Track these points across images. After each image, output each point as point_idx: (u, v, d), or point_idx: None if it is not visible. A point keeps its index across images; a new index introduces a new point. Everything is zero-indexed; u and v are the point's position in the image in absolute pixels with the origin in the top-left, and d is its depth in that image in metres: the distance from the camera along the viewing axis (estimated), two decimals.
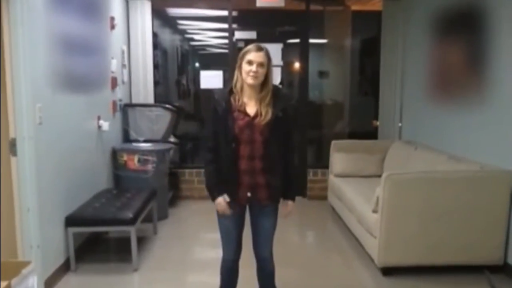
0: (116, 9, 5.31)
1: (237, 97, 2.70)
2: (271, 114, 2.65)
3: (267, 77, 2.67)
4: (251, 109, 2.69)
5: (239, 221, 2.82)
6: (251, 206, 2.83)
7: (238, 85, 2.69)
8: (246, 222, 2.87)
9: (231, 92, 2.72)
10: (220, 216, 2.82)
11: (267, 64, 2.65)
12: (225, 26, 6.21)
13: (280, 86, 2.97)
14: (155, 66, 6.19)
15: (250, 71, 2.61)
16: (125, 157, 5.05)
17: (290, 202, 2.86)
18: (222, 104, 2.69)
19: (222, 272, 2.94)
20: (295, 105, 2.89)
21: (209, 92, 7.56)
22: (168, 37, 7.64)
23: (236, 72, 2.71)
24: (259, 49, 2.65)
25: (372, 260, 3.96)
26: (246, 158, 2.67)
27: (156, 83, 6.21)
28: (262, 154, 2.67)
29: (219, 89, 2.88)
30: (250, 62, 2.62)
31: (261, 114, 2.66)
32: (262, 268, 2.93)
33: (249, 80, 2.63)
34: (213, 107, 2.72)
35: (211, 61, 8.83)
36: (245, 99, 2.70)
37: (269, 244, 2.87)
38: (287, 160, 2.78)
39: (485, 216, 3.73)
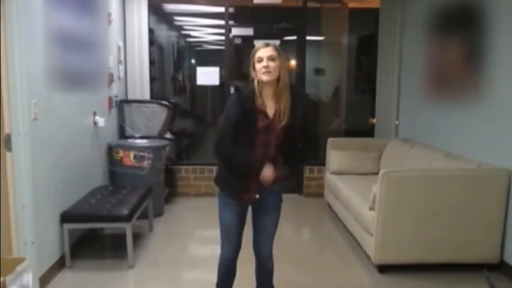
0: (112, 4, 5.28)
1: (258, 97, 2.62)
2: (289, 117, 2.60)
3: (281, 72, 2.60)
4: (270, 110, 2.62)
5: (241, 218, 2.79)
6: (253, 204, 2.80)
7: (258, 88, 2.61)
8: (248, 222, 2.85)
9: (253, 90, 2.62)
10: (222, 213, 2.80)
11: (277, 57, 2.58)
12: (222, 22, 6.19)
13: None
14: (151, 62, 6.16)
15: (262, 67, 2.56)
16: (121, 154, 5.03)
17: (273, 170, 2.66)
18: (248, 102, 2.60)
19: (220, 269, 2.92)
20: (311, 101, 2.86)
21: (206, 88, 7.59)
22: (164, 33, 7.61)
23: (252, 74, 2.64)
24: (267, 44, 2.61)
25: (369, 258, 3.95)
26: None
27: (152, 79, 6.19)
28: (274, 157, 2.66)
29: (243, 86, 2.68)
30: (260, 59, 2.57)
31: (279, 114, 2.60)
32: (261, 266, 2.92)
33: (264, 77, 2.56)
34: (240, 103, 2.60)
35: (207, 57, 8.81)
36: (264, 98, 2.63)
37: (269, 243, 2.85)
38: (301, 150, 2.79)
39: (482, 214, 3.73)
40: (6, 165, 3.12)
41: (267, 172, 2.62)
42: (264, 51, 2.58)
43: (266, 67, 2.55)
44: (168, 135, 5.83)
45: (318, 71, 7.47)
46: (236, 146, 2.61)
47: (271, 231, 2.83)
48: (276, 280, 2.99)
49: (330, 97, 7.51)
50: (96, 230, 4.58)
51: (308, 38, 6.34)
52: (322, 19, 7.08)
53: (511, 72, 3.69)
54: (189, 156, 7.17)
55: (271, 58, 2.57)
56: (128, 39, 5.84)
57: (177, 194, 6.17)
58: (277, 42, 6.02)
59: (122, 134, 5.60)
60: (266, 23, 6.35)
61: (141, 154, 5.03)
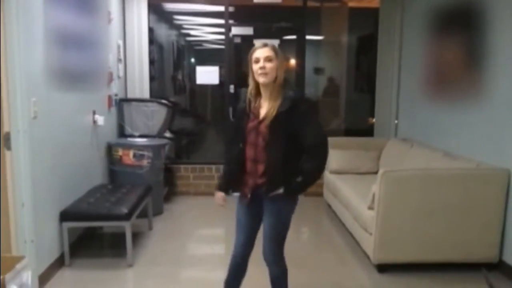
0: (112, 3, 5.28)
1: (253, 98, 2.67)
2: (272, 114, 2.56)
3: (277, 73, 2.58)
4: (263, 111, 2.63)
5: (252, 216, 2.77)
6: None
7: (254, 92, 2.64)
8: None
9: (248, 92, 2.69)
10: (236, 209, 2.84)
11: (275, 58, 2.56)
12: (222, 21, 6.20)
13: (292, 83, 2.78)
14: (151, 61, 6.17)
15: (258, 68, 2.55)
16: (120, 152, 5.03)
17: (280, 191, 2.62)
18: (244, 104, 2.68)
19: (230, 266, 2.89)
20: (308, 100, 2.59)
21: (205, 87, 7.59)
22: (164, 32, 7.61)
23: (250, 77, 2.65)
24: (264, 45, 2.59)
25: (368, 257, 3.96)
26: (250, 161, 2.66)
27: (151, 78, 6.19)
28: (264, 159, 2.62)
29: (247, 89, 2.76)
30: (257, 60, 2.57)
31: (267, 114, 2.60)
32: (269, 271, 2.85)
33: (261, 79, 2.56)
34: (238, 107, 2.74)
35: (207, 56, 8.80)
36: (262, 100, 2.65)
37: (269, 245, 2.73)
38: (301, 167, 2.60)
39: (481, 214, 3.74)
40: (5, 163, 3.11)
41: (216, 198, 2.81)
42: (261, 52, 2.57)
43: (263, 68, 2.54)
44: (167, 134, 5.83)
45: (317, 71, 7.47)
46: (230, 160, 2.82)
47: (269, 235, 2.73)
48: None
49: (320, 97, 7.48)
50: (95, 228, 4.58)
51: (308, 37, 6.34)
52: (322, 19, 7.08)
53: (510, 72, 3.70)
54: (188, 155, 7.17)
55: (268, 59, 2.55)
56: (127, 38, 5.84)
57: (176, 193, 6.18)
58: (277, 41, 6.03)
59: (122, 133, 5.60)
60: (266, 23, 6.35)
61: (141, 153, 5.03)
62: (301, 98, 2.65)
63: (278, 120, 2.54)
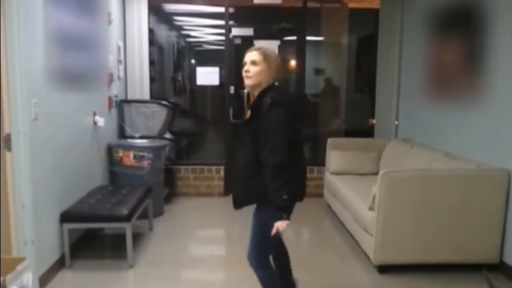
0: (112, 4, 5.28)
1: (247, 99, 2.69)
2: (244, 118, 2.61)
3: (262, 77, 2.57)
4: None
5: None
6: None
7: (251, 93, 2.65)
8: None
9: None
10: None
11: (261, 62, 2.54)
12: (222, 22, 6.19)
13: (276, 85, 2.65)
14: (151, 62, 6.17)
15: (244, 71, 2.57)
16: (120, 153, 5.03)
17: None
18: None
19: None
20: (280, 109, 2.45)
21: (205, 88, 7.60)
22: (164, 34, 7.61)
23: None
24: (253, 49, 2.61)
25: (368, 258, 3.96)
26: None
27: (152, 80, 6.19)
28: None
29: None
30: (244, 63, 2.59)
31: None
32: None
33: (245, 81, 2.58)
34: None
35: (207, 57, 8.81)
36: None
37: (250, 250, 2.74)
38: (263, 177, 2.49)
39: (481, 215, 3.74)
40: (6, 164, 3.12)
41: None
42: (248, 55, 2.59)
43: (247, 71, 2.56)
44: (167, 135, 5.83)
45: (318, 71, 7.47)
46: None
47: (251, 239, 2.72)
48: None
49: (320, 98, 7.48)
50: (96, 230, 4.58)
51: (308, 38, 6.34)
52: (322, 19, 7.09)
53: (510, 72, 3.70)
54: (188, 156, 7.18)
55: (253, 63, 2.55)
56: (128, 39, 5.84)
57: (177, 194, 6.18)
58: (277, 42, 6.03)
59: (122, 134, 5.60)
60: (266, 23, 6.36)
61: (141, 154, 5.03)
62: (270, 108, 2.46)
63: (247, 124, 2.58)
